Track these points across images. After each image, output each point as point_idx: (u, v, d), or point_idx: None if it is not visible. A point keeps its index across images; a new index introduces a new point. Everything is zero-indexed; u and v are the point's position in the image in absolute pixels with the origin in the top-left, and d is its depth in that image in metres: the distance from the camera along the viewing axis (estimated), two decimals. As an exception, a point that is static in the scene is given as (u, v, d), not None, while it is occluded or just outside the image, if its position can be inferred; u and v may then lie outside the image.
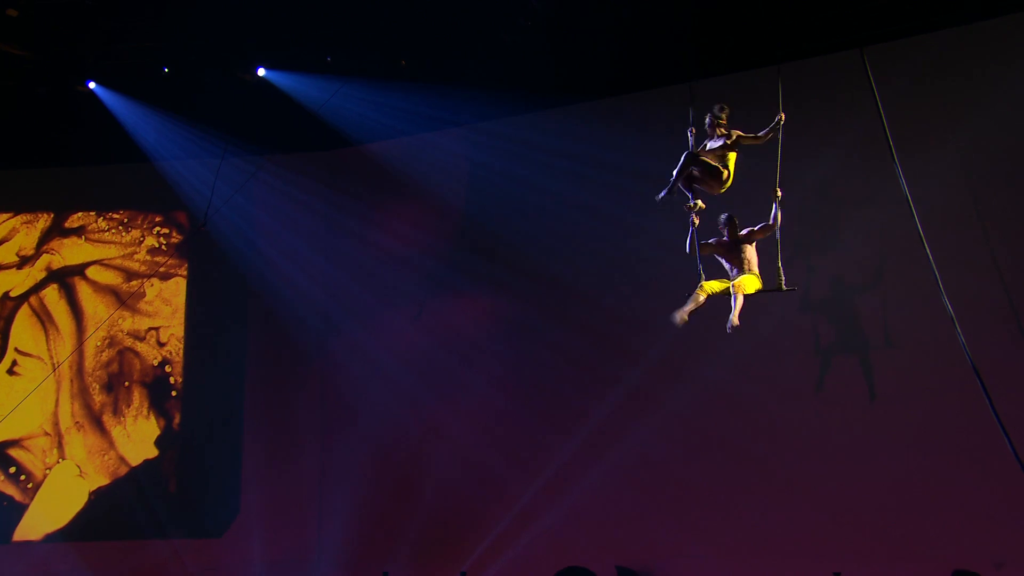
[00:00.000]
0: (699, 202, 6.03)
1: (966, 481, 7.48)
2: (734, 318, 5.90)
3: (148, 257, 10.93)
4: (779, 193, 5.97)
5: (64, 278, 10.99)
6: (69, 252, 11.07)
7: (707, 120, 6.00)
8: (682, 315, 5.85)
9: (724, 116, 5.94)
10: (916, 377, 7.79)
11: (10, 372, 10.74)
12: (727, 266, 6.21)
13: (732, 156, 5.99)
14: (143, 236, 11.02)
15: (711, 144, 5.98)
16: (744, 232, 6.15)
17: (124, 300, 10.72)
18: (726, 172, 5.92)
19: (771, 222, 6.02)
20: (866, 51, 6.88)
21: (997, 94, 7.56)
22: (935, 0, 7.60)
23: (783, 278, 5.94)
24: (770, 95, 6.29)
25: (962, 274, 7.23)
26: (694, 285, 6.15)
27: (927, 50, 7.91)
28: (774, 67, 6.76)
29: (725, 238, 6.19)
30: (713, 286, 6.01)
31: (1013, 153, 7.51)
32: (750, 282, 6.02)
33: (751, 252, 6.15)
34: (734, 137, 5.92)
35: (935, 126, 7.80)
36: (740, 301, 5.90)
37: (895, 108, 6.96)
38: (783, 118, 5.89)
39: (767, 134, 5.94)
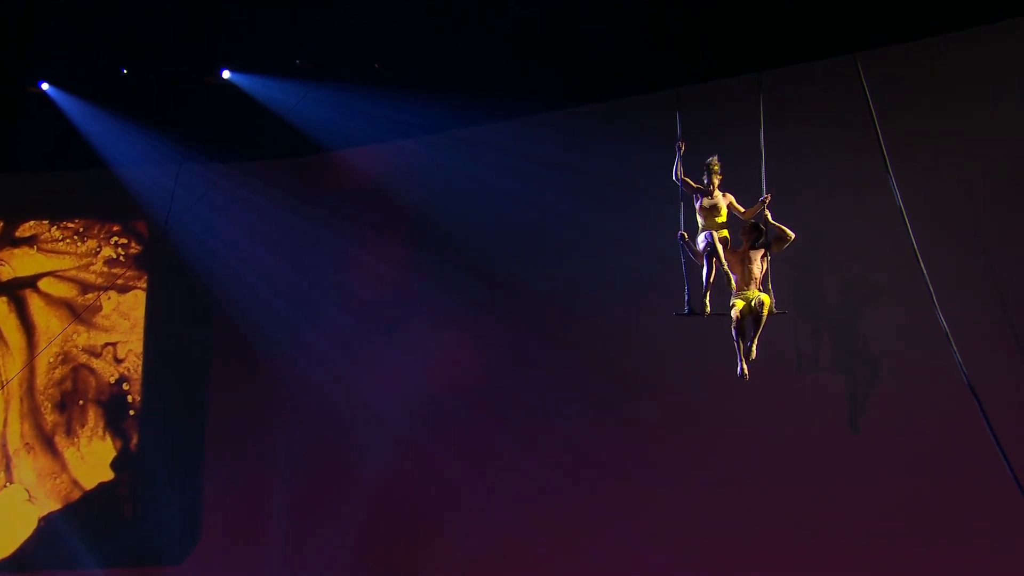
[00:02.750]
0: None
1: (961, 505, 7.38)
2: (753, 350, 5.90)
3: (105, 268, 10.71)
4: (768, 215, 6.02)
5: (14, 290, 10.75)
6: (20, 263, 10.82)
7: (705, 177, 6.14)
8: (743, 369, 5.94)
9: (717, 168, 6.09)
10: (909, 397, 7.69)
11: (-45, 390, 10.53)
12: (732, 276, 6.07)
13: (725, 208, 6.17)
14: (100, 246, 10.80)
15: (708, 199, 6.12)
16: (761, 241, 6.08)
17: (79, 314, 10.53)
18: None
19: (788, 235, 6.02)
20: (860, 57, 6.81)
21: (997, 103, 7.49)
22: (933, 4, 7.55)
23: (772, 300, 5.91)
24: (757, 102, 6.28)
25: (958, 289, 7.14)
26: (680, 297, 6.14)
27: (924, 56, 7.85)
28: (765, 73, 6.78)
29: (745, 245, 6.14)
30: (743, 310, 5.91)
31: (1013, 164, 7.44)
32: (767, 297, 5.94)
33: (764, 264, 6.07)
34: (727, 200, 6.14)
35: (931, 135, 7.73)
36: (764, 319, 5.83)
37: (890, 116, 6.90)
38: (768, 199, 6.02)
39: (751, 211, 6.08)
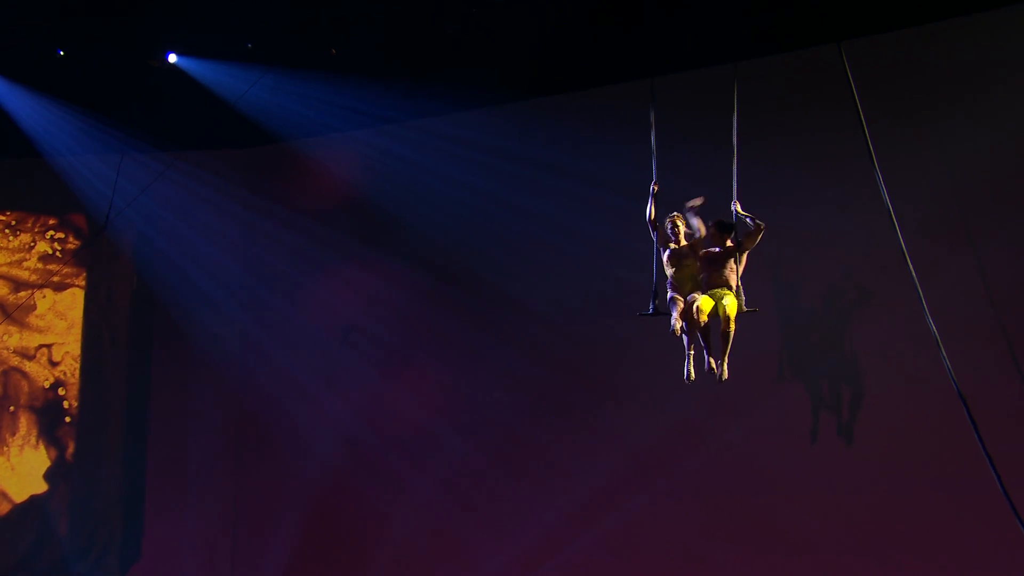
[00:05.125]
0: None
1: (950, 519, 7.26)
2: (725, 367, 5.74)
3: (40, 265, 10.51)
4: (737, 205, 5.87)
5: (-61, 288, 10.59)
6: (-54, 258, 10.67)
7: (668, 226, 6.03)
8: (690, 372, 5.83)
9: (681, 223, 5.98)
10: (896, 405, 7.55)
11: None
12: (702, 277, 5.96)
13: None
14: (34, 241, 10.57)
15: (674, 249, 6.02)
16: (732, 236, 5.94)
17: (10, 313, 10.31)
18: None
19: (759, 224, 5.82)
20: (844, 46, 6.67)
21: (987, 94, 7.36)
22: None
23: (743, 297, 5.79)
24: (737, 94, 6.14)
25: (947, 292, 7.02)
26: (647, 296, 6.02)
27: (911, 45, 7.71)
28: (745, 63, 6.61)
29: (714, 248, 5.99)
30: (705, 307, 5.71)
31: (1004, 159, 7.29)
32: (733, 303, 5.75)
33: (736, 264, 5.91)
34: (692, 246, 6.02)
35: (919, 128, 7.60)
36: (731, 333, 5.66)
37: (875, 108, 6.77)
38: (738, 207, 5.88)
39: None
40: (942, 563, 7.29)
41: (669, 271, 5.98)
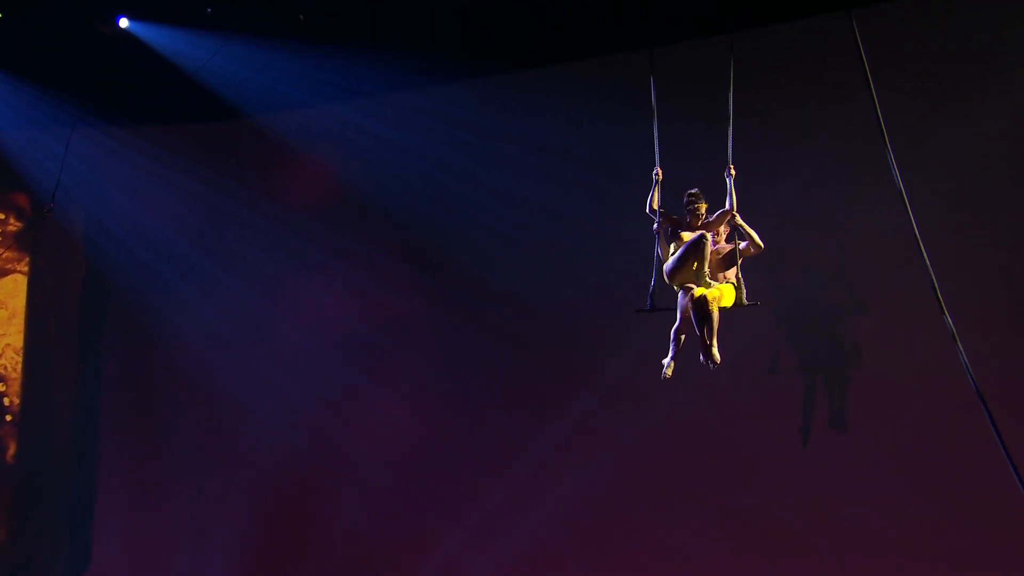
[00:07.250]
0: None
1: (967, 521, 7.22)
2: (715, 352, 5.51)
3: None
4: (738, 217, 5.67)
5: None
6: None
7: (687, 216, 5.82)
8: (668, 369, 5.65)
9: (702, 205, 5.81)
10: (910, 403, 7.51)
11: None
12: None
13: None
14: None
15: (688, 235, 5.75)
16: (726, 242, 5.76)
17: None
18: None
19: (758, 243, 5.68)
20: (855, 14, 6.35)
21: (1009, 69, 7.27)
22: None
23: (744, 290, 5.67)
24: (737, 67, 5.95)
25: (964, 283, 6.94)
26: (645, 290, 5.85)
27: (929, 14, 7.61)
28: (744, 33, 6.52)
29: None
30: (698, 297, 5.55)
31: None
32: (727, 294, 5.59)
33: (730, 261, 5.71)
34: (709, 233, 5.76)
35: (937, 107, 7.52)
36: (716, 322, 5.45)
37: (889, 85, 6.63)
38: (734, 172, 5.71)
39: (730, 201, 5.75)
40: (942, 564, 7.26)
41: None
